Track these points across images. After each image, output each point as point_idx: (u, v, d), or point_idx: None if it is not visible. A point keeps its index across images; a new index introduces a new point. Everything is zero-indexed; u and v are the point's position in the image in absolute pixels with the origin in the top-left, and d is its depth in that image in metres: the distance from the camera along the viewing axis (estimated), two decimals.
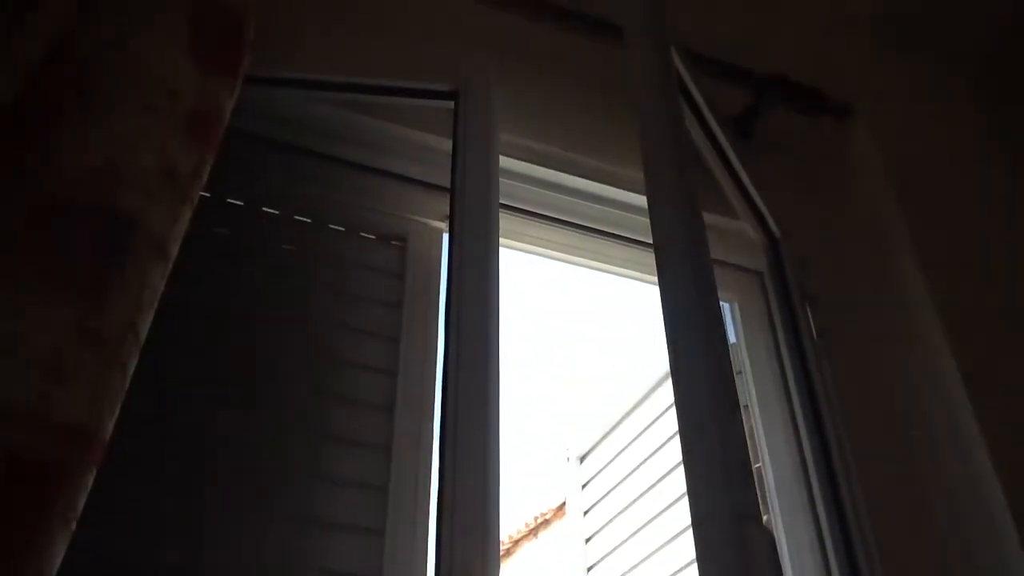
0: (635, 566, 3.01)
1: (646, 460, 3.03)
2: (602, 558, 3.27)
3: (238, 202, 1.44)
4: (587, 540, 3.38)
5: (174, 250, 0.98)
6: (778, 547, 1.50)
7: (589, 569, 3.35)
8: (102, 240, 0.89)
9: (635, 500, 3.04)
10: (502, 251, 1.37)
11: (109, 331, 0.85)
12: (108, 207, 0.91)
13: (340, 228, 1.50)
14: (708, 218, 1.65)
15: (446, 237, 1.54)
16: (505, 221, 1.60)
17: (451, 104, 1.45)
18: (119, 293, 0.87)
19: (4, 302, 0.82)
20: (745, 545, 0.75)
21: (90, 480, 0.82)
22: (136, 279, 0.90)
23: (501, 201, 1.46)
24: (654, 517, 2.91)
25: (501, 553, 1.31)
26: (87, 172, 0.92)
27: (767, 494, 1.55)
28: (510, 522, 8.19)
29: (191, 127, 1.03)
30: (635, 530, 3.02)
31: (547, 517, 8.04)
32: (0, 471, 0.74)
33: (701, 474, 0.82)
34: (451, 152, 1.41)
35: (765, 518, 1.54)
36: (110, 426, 0.85)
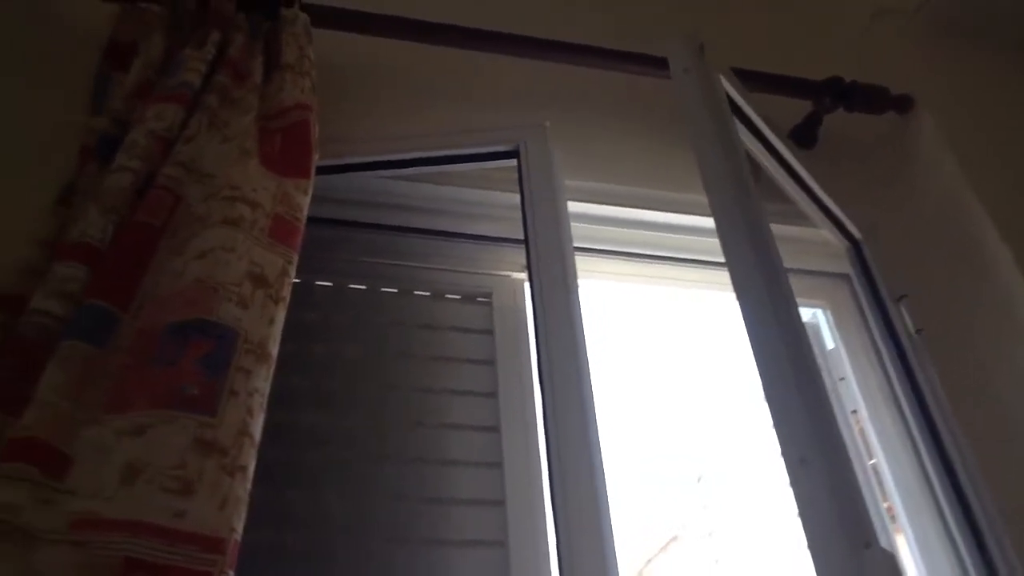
0: None
1: (769, 479, 2.99)
2: None
3: (326, 283, 1.50)
4: (716, 561, 3.34)
5: (274, 350, 1.03)
6: (909, 546, 1.48)
7: None
8: (206, 354, 0.94)
9: (760, 520, 3.01)
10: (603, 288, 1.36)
11: (225, 440, 0.90)
12: (207, 322, 0.96)
13: (426, 293, 1.55)
14: (788, 229, 1.65)
15: (527, 286, 1.57)
16: (582, 261, 1.62)
17: (514, 162, 1.49)
18: (229, 402, 0.93)
19: (125, 428, 0.87)
20: (866, 571, 0.75)
21: None
22: (243, 385, 0.95)
23: (575, 244, 1.48)
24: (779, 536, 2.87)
25: None
26: (183, 292, 0.97)
27: (888, 493, 1.53)
28: (635, 544, 8.12)
29: (274, 231, 1.08)
30: (762, 551, 2.98)
31: (672, 538, 7.94)
32: None
33: (810, 503, 0.82)
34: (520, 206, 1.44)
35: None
36: (240, 527, 0.90)
